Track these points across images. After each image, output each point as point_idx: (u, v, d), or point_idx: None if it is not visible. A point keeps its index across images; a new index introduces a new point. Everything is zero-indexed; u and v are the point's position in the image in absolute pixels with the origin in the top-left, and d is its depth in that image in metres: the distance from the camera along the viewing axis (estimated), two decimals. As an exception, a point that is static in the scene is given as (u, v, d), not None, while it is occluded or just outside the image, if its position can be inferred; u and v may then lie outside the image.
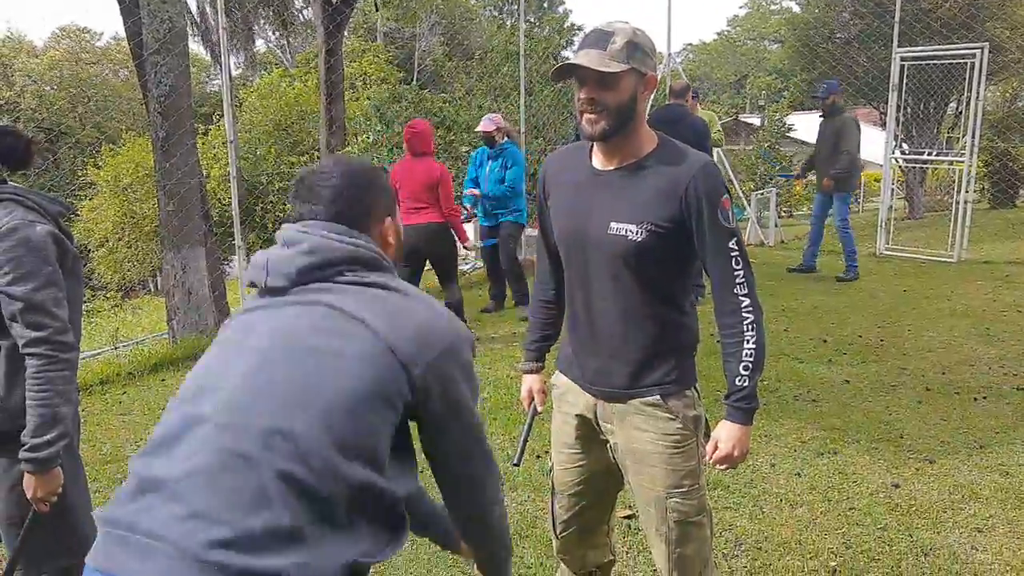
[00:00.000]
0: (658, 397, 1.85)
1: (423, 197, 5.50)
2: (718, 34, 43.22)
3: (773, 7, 37.26)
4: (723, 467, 1.87)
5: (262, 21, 21.60)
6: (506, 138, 6.39)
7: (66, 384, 1.87)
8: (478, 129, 6.52)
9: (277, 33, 21.57)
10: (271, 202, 15.21)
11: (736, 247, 1.79)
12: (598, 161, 1.87)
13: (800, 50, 15.34)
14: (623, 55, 1.71)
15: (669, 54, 10.31)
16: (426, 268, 5.90)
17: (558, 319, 2.15)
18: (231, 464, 1.10)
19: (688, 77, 10.90)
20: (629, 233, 1.77)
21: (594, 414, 1.96)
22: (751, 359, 1.81)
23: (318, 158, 10.51)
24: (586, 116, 1.76)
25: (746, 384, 1.82)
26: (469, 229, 7.18)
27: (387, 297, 1.28)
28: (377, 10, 19.34)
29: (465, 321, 5.90)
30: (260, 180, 15.74)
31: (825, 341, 5.56)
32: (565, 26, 37.03)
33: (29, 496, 1.87)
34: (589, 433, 2.00)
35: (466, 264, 8.77)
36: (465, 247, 6.13)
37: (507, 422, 4.16)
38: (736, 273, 1.79)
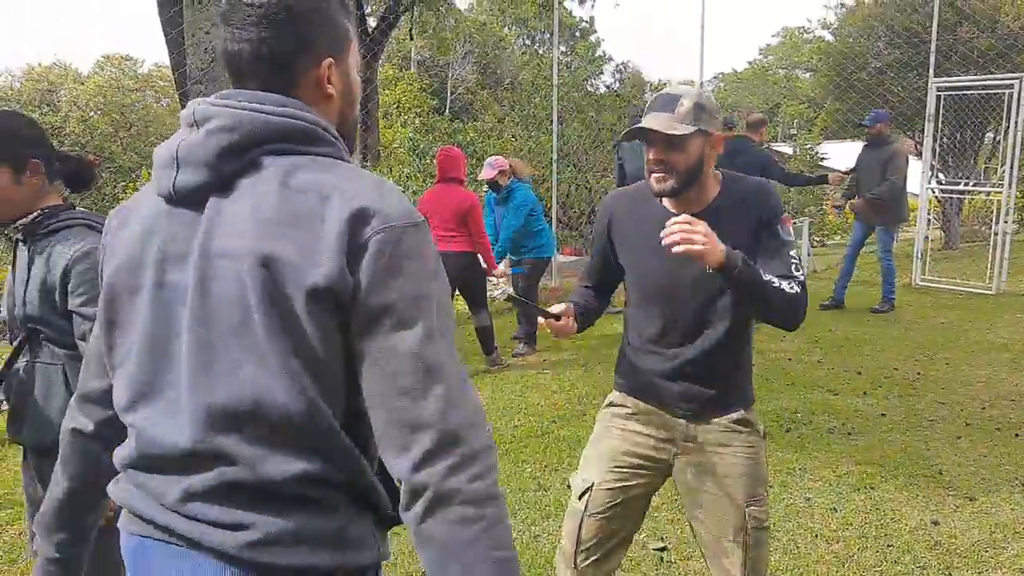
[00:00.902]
0: (742, 412, 1.99)
1: (453, 226, 5.53)
2: (750, 63, 43.22)
3: (806, 36, 37.21)
4: (674, 235, 1.70)
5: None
6: (513, 178, 6.18)
7: None
8: (480, 178, 6.33)
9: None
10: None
11: (794, 257, 1.89)
12: (671, 205, 1.96)
13: (833, 79, 15.27)
14: (690, 117, 1.83)
15: (701, 83, 10.34)
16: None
17: (596, 307, 2.18)
18: None
19: (721, 106, 10.92)
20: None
21: (670, 438, 2.01)
22: (786, 286, 1.81)
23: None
24: (654, 175, 1.88)
25: (759, 275, 1.78)
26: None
27: None
28: (412, 39, 19.64)
29: (495, 348, 5.92)
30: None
31: (860, 374, 5.48)
32: (596, 55, 37.35)
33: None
34: (650, 456, 2.03)
35: (497, 291, 8.79)
36: (494, 274, 6.16)
37: (538, 450, 4.15)
38: (792, 263, 1.87)
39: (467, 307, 5.95)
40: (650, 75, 40.70)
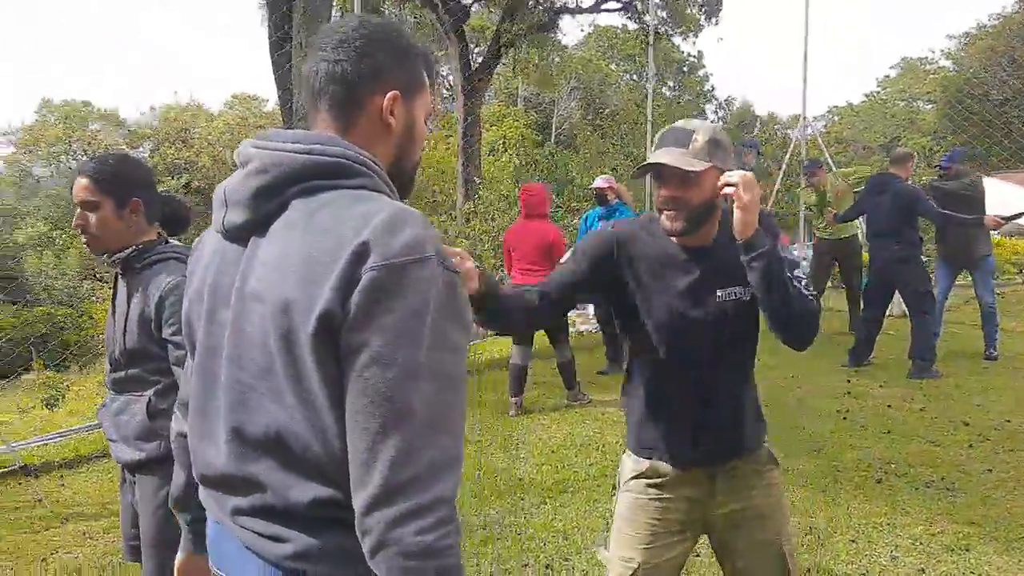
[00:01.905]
0: (763, 447, 1.98)
1: (536, 259, 5.57)
2: (867, 95, 41.56)
3: (928, 67, 35.57)
4: (733, 186, 1.74)
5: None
6: (617, 199, 6.52)
7: None
8: (592, 186, 6.75)
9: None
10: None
11: (801, 276, 1.83)
12: (680, 240, 1.89)
13: (952, 110, 14.52)
14: (704, 153, 1.75)
15: (804, 118, 10.03)
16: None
17: (524, 309, 1.86)
18: None
19: (833, 140, 10.58)
20: (740, 295, 1.86)
21: (702, 496, 1.93)
22: (799, 289, 1.80)
23: (455, 218, 10.90)
24: (667, 213, 1.81)
25: (782, 265, 1.77)
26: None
27: None
28: (515, 76, 20.04)
29: (577, 383, 5.87)
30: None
31: (967, 424, 5.10)
32: (704, 91, 36.95)
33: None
34: (687, 521, 1.95)
35: (584, 326, 8.75)
36: (578, 307, 6.16)
37: (610, 489, 4.07)
38: (800, 281, 1.82)
39: (549, 343, 5.94)
40: (760, 110, 39.75)
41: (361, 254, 0.99)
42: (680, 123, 1.83)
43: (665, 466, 1.93)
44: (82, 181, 2.10)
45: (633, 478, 1.98)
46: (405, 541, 0.95)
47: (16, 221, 27.27)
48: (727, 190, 1.74)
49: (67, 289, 20.87)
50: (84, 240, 2.17)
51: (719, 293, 1.84)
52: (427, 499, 0.96)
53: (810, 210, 8.43)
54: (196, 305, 1.21)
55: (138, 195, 2.14)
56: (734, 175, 1.75)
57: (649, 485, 1.95)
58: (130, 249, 2.15)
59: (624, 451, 2.06)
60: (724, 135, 1.81)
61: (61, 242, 24.22)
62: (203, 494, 1.24)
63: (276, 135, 1.15)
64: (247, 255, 1.11)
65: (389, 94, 1.18)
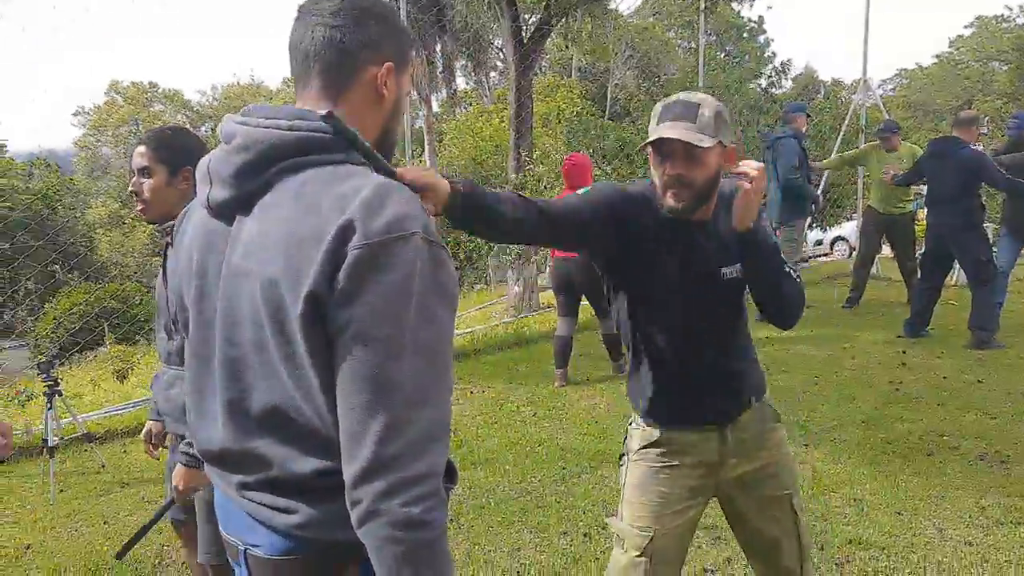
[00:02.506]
0: (769, 404, 2.01)
1: (581, 230, 5.52)
2: (937, 57, 39.69)
3: (1005, 25, 33.81)
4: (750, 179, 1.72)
5: (463, 60, 22.86)
6: None
7: None
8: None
9: (475, 70, 22.69)
10: (466, 234, 15.89)
11: (783, 257, 1.86)
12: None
13: (1028, 71, 13.79)
14: (712, 128, 1.69)
15: (865, 80, 9.67)
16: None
17: (502, 212, 1.60)
18: None
19: (903, 104, 10.18)
20: (736, 273, 1.86)
21: (711, 460, 1.94)
22: (789, 273, 1.84)
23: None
24: (671, 192, 1.75)
25: (777, 248, 1.83)
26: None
27: None
28: (567, 47, 19.82)
29: (623, 355, 5.84)
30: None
31: (1027, 396, 4.93)
32: (765, 55, 35.84)
33: (173, 484, 2.11)
34: (699, 487, 1.95)
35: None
36: None
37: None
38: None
39: (594, 314, 5.93)
40: (824, 76, 38.41)
41: (345, 232, 0.99)
42: (683, 95, 1.74)
43: (676, 434, 1.93)
44: (140, 148, 2.22)
45: (643, 447, 1.96)
46: (392, 512, 0.97)
47: (88, 201, 28.32)
48: (742, 182, 1.72)
49: (135, 266, 21.64)
50: (138, 207, 2.25)
51: (723, 271, 1.84)
52: (413, 473, 0.98)
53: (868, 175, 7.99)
54: (186, 282, 1.21)
55: (191, 164, 2.17)
56: (753, 166, 1.71)
57: (660, 454, 1.94)
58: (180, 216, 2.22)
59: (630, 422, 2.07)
60: (725, 109, 1.76)
61: (129, 221, 25.06)
62: (208, 470, 1.26)
63: (258, 110, 1.13)
64: (233, 233, 1.11)
65: (385, 65, 1.17)
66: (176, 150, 2.22)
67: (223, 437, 1.16)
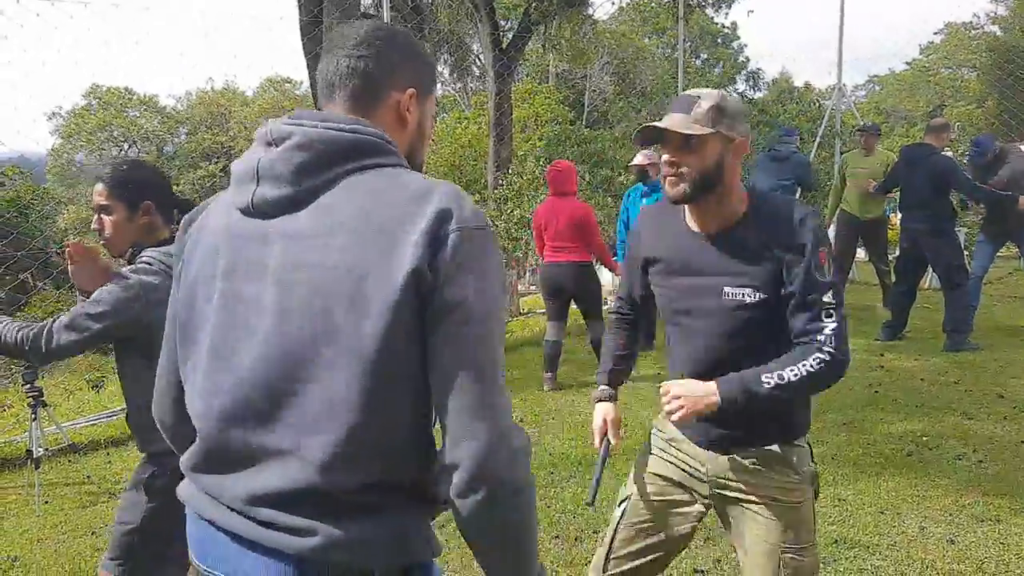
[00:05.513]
0: (776, 448, 1.87)
1: (567, 236, 5.59)
2: (909, 64, 40.28)
3: (973, 32, 34.42)
4: (668, 404, 1.81)
5: (440, 67, 22.89)
6: (659, 176, 6.36)
7: None
8: (631, 163, 6.55)
9: (454, 77, 22.72)
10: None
11: (833, 299, 1.74)
12: (694, 223, 1.87)
13: (998, 76, 14.08)
14: (707, 119, 1.73)
15: (839, 87, 9.84)
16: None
17: (635, 343, 2.19)
18: None
19: (875, 111, 10.35)
20: (746, 297, 1.78)
21: (703, 471, 1.94)
22: (792, 376, 1.72)
23: (485, 199, 10.94)
24: (668, 179, 1.79)
25: (761, 389, 1.72)
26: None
27: None
28: (544, 51, 19.92)
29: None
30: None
31: (1002, 397, 5.05)
32: (738, 61, 36.24)
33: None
34: (683, 485, 1.98)
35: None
36: (617, 274, 6.14)
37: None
38: (825, 309, 1.73)
39: (582, 319, 5.97)
40: (798, 82, 38.85)
41: (443, 217, 1.06)
42: (689, 91, 1.81)
43: (674, 429, 2.00)
44: (98, 187, 2.19)
45: (658, 428, 2.07)
46: (518, 478, 1.07)
47: (59, 207, 27.91)
48: (673, 418, 1.81)
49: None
50: (101, 243, 2.25)
51: (727, 290, 1.79)
52: (521, 441, 1.09)
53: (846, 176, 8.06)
54: (204, 287, 1.17)
55: (149, 198, 2.21)
56: (674, 388, 1.82)
57: (660, 439, 2.04)
58: (132, 250, 2.21)
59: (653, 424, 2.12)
60: (732, 103, 1.78)
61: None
62: (190, 489, 1.20)
63: (309, 115, 1.15)
64: (282, 230, 1.10)
65: (408, 90, 1.23)
66: (134, 186, 2.20)
67: (249, 439, 1.09)
